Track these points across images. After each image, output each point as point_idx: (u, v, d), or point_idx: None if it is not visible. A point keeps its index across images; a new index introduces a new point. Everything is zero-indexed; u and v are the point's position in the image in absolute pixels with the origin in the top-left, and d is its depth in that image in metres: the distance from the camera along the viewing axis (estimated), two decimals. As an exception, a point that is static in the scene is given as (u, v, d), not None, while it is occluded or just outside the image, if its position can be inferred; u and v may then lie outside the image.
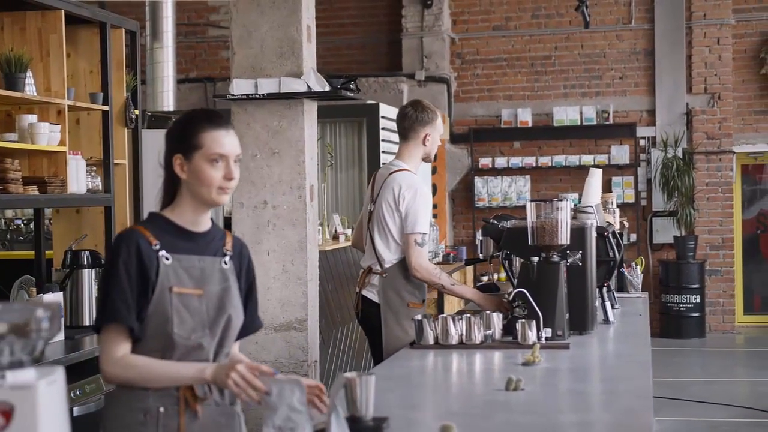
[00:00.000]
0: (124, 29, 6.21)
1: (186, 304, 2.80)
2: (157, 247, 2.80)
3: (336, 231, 8.07)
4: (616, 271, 5.45)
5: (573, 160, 12.80)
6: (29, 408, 1.72)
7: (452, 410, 3.28)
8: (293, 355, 5.71)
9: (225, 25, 13.25)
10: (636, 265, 6.65)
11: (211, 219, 2.96)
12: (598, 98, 12.96)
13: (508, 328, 4.41)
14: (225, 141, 2.85)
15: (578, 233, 4.61)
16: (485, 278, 12.00)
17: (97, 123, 5.90)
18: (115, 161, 5.97)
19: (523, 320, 4.29)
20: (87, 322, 5.44)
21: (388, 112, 9.81)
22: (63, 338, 4.98)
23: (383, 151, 9.68)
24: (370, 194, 5.24)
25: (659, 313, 12.37)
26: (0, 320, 1.75)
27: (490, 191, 13.00)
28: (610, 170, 12.49)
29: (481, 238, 5.16)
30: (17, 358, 1.76)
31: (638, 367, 3.98)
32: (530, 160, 12.89)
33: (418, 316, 4.41)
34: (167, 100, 10.59)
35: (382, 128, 9.76)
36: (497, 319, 4.40)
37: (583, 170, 12.51)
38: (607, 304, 5.15)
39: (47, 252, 5.97)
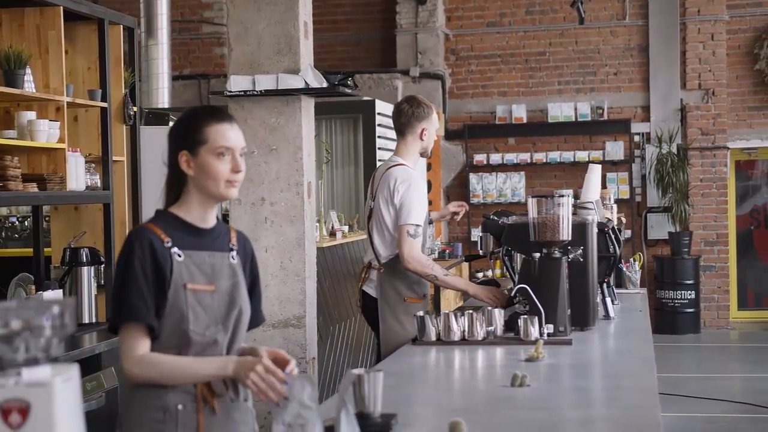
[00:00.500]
0: (122, 26, 6.19)
1: (200, 301, 2.79)
2: (169, 244, 2.79)
3: (333, 228, 8.05)
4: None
5: (568, 156, 12.80)
6: (45, 405, 1.72)
7: (458, 406, 3.28)
8: (291, 352, 5.68)
9: (219, 21, 13.23)
10: (634, 261, 6.66)
11: (217, 216, 2.95)
12: (593, 94, 12.96)
13: (510, 325, 4.41)
14: (230, 134, 2.86)
15: (579, 229, 4.61)
16: (480, 275, 11.99)
17: (95, 120, 5.88)
18: (114, 158, 5.95)
19: (525, 316, 4.29)
20: (87, 320, 5.43)
21: (384, 108, 9.79)
22: (63, 336, 4.96)
23: (379, 148, 9.67)
24: (370, 192, 5.24)
25: (654, 308, 12.34)
26: (15, 317, 1.74)
27: (485, 188, 13.00)
28: (604, 166, 12.44)
29: (480, 234, 5.15)
30: (32, 355, 1.76)
31: (642, 363, 3.98)
32: (525, 157, 12.89)
33: (420, 313, 4.41)
34: (162, 97, 10.55)
35: (378, 125, 9.75)
36: (499, 316, 4.41)
37: (577, 166, 12.57)
38: (608, 300, 5.16)
39: (45, 249, 5.95)
